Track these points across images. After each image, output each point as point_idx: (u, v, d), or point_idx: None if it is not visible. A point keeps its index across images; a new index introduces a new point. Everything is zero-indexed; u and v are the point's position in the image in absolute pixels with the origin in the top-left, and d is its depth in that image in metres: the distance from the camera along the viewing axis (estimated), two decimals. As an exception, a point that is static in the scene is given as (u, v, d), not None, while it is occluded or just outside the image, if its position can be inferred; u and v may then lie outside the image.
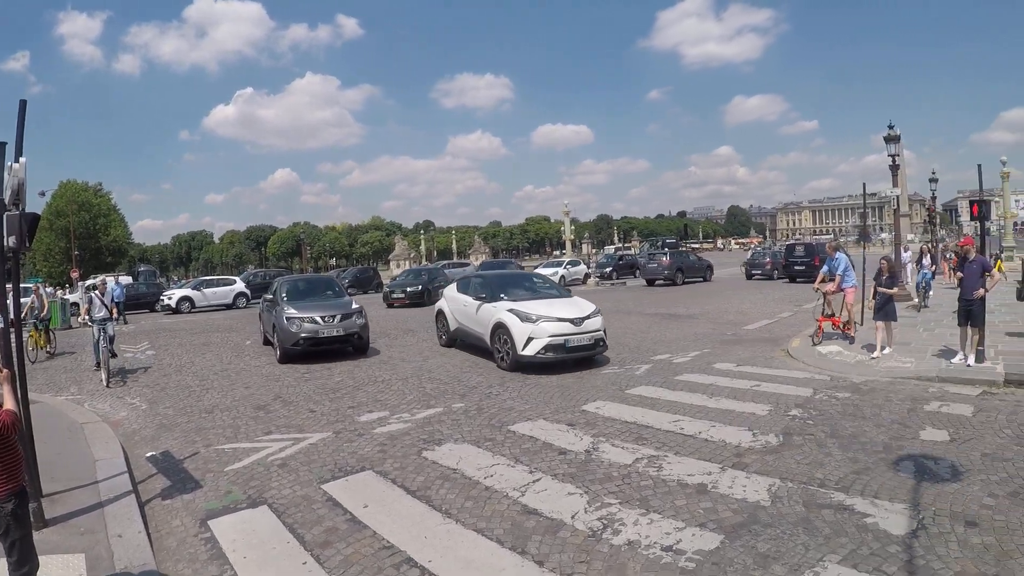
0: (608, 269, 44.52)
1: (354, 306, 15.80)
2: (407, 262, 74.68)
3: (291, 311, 15.02)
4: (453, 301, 15.87)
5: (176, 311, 33.49)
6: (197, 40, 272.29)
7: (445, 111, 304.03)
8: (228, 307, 35.38)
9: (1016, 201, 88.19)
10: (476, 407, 9.92)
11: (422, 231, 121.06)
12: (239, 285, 37.26)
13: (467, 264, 53.05)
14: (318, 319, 14.82)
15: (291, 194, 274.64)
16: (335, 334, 14.93)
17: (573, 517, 5.73)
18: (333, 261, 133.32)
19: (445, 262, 59.69)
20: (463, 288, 15.74)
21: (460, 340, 15.64)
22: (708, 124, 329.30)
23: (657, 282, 37.29)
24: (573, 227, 64.28)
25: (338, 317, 15.04)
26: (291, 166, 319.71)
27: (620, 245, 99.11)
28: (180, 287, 39.51)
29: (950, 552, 4.86)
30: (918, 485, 6.18)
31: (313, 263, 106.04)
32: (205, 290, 35.86)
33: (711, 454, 7.32)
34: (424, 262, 78.23)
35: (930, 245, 17.15)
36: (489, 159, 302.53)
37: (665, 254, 40.83)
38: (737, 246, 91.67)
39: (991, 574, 4.54)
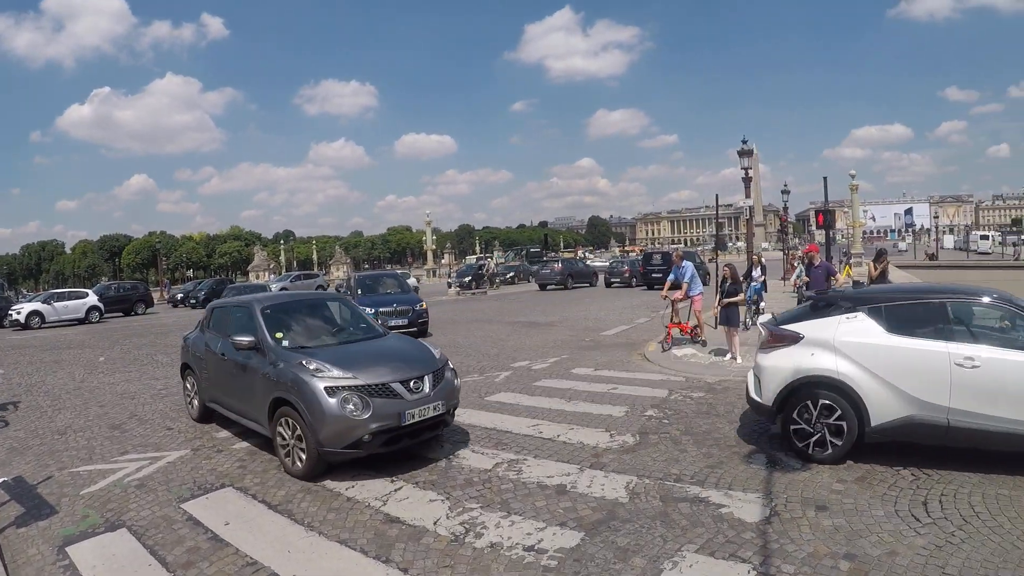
0: (468, 279, 44.79)
1: (436, 352, 8.18)
2: (267, 273, 71.53)
3: (333, 372, 7.02)
4: (885, 356, 6.55)
5: (26, 326, 30.83)
6: (54, 33, 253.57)
7: (308, 118, 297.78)
8: (80, 322, 32.89)
9: (864, 211, 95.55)
10: (339, 419, 9.77)
11: (282, 241, 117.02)
12: (92, 298, 34.69)
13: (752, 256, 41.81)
14: (398, 388, 7.13)
15: (147, 201, 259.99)
16: (431, 414, 7.31)
17: (436, 523, 5.78)
18: (190, 272, 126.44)
19: (480, 258, 54.72)
20: (935, 327, 6.57)
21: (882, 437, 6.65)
22: (571, 136, 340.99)
23: (549, 287, 39.46)
24: (435, 237, 64.39)
25: (429, 379, 7.46)
26: (148, 172, 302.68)
27: (481, 255, 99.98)
28: (30, 300, 36.40)
29: (803, 535, 5.16)
30: (770, 476, 6.50)
31: (170, 274, 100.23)
32: (56, 304, 33.05)
33: (570, 456, 7.49)
34: (284, 272, 75.04)
35: (759, 256, 18.00)
36: (352, 168, 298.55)
37: (557, 261, 47.94)
38: (621, 253, 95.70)
39: (842, 553, 4.85)
